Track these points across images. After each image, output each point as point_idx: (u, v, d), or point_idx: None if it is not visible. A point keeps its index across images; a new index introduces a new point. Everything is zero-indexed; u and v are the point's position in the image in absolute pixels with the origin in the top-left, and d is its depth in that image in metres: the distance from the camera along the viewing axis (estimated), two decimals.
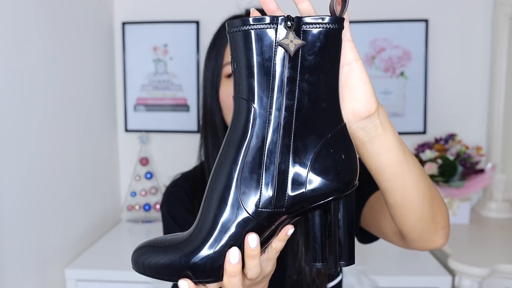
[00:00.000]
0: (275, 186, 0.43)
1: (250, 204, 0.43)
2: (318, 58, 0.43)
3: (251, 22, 0.43)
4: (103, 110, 1.69)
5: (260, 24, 0.43)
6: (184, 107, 1.79)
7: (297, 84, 0.43)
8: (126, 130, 1.81)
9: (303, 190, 0.44)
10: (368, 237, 0.80)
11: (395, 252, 1.48)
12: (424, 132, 1.73)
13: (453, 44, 1.72)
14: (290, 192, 0.44)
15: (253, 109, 0.44)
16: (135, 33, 1.77)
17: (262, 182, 0.43)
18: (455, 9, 1.71)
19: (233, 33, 0.44)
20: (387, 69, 1.72)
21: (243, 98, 0.44)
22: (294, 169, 0.44)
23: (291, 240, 0.79)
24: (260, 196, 0.43)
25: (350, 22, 0.50)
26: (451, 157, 1.56)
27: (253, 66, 0.43)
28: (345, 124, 0.46)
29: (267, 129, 0.44)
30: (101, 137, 1.67)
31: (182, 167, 1.02)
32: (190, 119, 1.78)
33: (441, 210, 0.58)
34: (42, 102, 1.27)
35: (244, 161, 0.44)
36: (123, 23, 1.76)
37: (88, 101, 1.55)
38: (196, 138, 0.91)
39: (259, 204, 0.43)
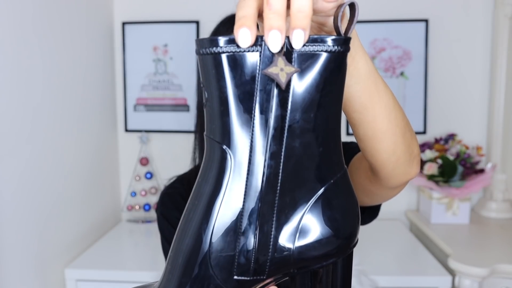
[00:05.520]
0: (254, 251, 0.35)
1: (224, 273, 0.35)
2: (315, 90, 0.33)
3: (223, 44, 0.32)
4: (103, 110, 1.69)
5: (237, 46, 0.32)
6: (184, 107, 1.79)
7: (287, 125, 0.34)
8: (126, 130, 1.81)
9: (290, 253, 0.35)
10: (369, 215, 0.77)
11: (395, 252, 1.48)
12: (424, 132, 1.73)
13: (453, 44, 1.72)
14: (273, 257, 0.35)
15: (228, 156, 0.34)
16: (135, 33, 1.77)
17: (238, 247, 0.35)
18: (455, 9, 1.71)
19: (203, 56, 0.33)
20: (387, 69, 1.72)
21: (216, 141, 0.35)
22: (280, 231, 0.35)
23: None
24: (236, 263, 0.35)
25: None
26: (451, 157, 1.56)
27: (229, 101, 0.33)
28: (346, 170, 0.37)
29: (247, 182, 0.34)
30: (101, 137, 1.67)
31: (182, 167, 1.02)
32: (190, 119, 1.78)
33: (413, 138, 0.55)
34: (41, 102, 1.27)
35: (216, 222, 0.35)
36: (123, 23, 1.76)
37: (88, 101, 1.55)
38: None
39: (235, 271, 0.35)
